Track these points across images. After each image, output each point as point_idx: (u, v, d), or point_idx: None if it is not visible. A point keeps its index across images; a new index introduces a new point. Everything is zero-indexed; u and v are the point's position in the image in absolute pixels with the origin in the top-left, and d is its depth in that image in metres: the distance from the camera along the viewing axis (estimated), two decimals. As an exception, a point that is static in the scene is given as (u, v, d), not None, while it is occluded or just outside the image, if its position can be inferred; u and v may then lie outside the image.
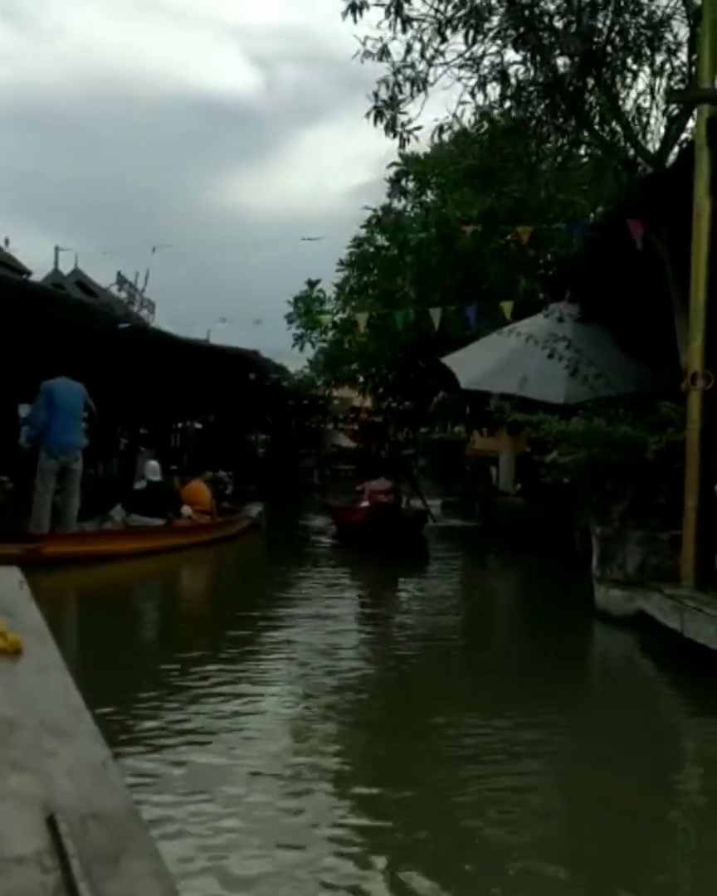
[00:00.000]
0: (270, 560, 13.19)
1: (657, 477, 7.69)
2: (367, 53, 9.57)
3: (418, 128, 9.72)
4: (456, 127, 9.83)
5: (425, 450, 23.50)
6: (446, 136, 9.93)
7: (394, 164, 16.55)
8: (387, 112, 9.56)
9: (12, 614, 1.54)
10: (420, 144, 10.21)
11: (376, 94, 9.61)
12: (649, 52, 8.77)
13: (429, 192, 16.64)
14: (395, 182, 16.60)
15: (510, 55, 9.70)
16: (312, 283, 17.23)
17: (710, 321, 7.13)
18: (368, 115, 9.65)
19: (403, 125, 9.64)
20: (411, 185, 16.72)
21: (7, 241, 25.81)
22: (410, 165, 16.48)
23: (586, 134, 9.25)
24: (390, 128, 9.63)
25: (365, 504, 13.24)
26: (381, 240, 17.08)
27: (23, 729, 1.11)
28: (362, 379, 17.39)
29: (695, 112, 7.56)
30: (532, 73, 9.57)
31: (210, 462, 17.59)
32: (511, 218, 10.12)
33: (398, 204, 16.95)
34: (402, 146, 9.81)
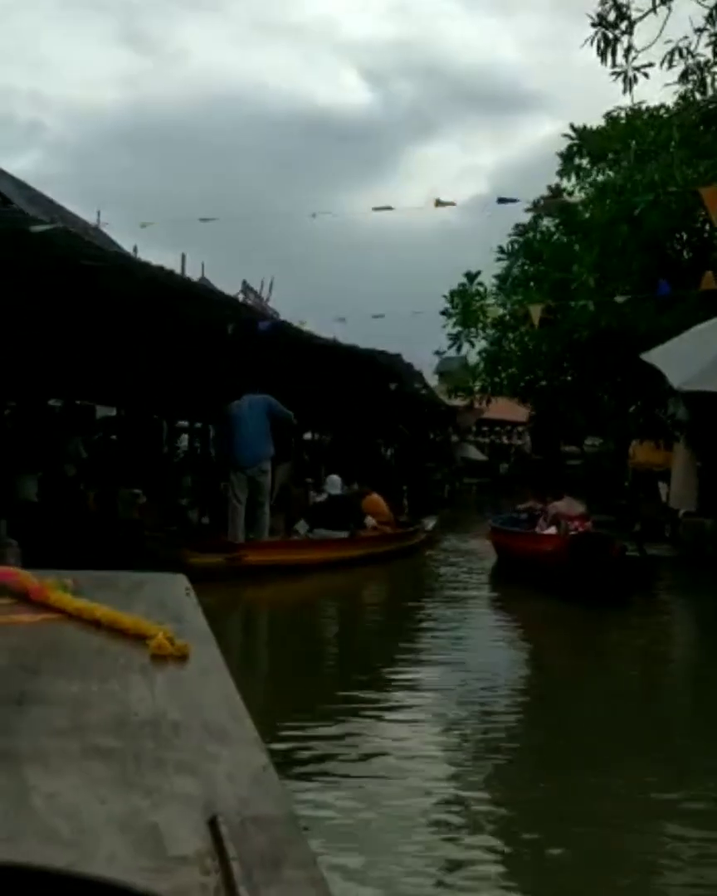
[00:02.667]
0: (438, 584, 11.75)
1: None
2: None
3: (649, 65, 7.67)
4: (688, 62, 7.75)
5: (588, 463, 21.26)
6: (673, 80, 7.84)
7: (566, 136, 14.50)
8: (613, 34, 7.49)
9: (180, 620, 1.59)
10: (649, 83, 8.09)
11: (600, 16, 7.57)
12: None
13: (606, 170, 14.45)
14: (567, 157, 14.51)
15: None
16: (471, 276, 15.14)
17: None
18: (589, 41, 7.64)
19: (628, 56, 7.56)
20: (584, 161, 14.60)
21: (136, 250, 24.60)
22: (585, 140, 14.41)
23: None
24: (613, 56, 7.56)
25: (550, 531, 10.69)
26: (548, 225, 15.01)
27: (187, 731, 1.11)
28: (522, 385, 15.31)
29: None
30: None
31: (342, 475, 16.27)
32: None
33: (569, 183, 14.83)
34: (627, 89, 7.78)
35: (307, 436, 27.61)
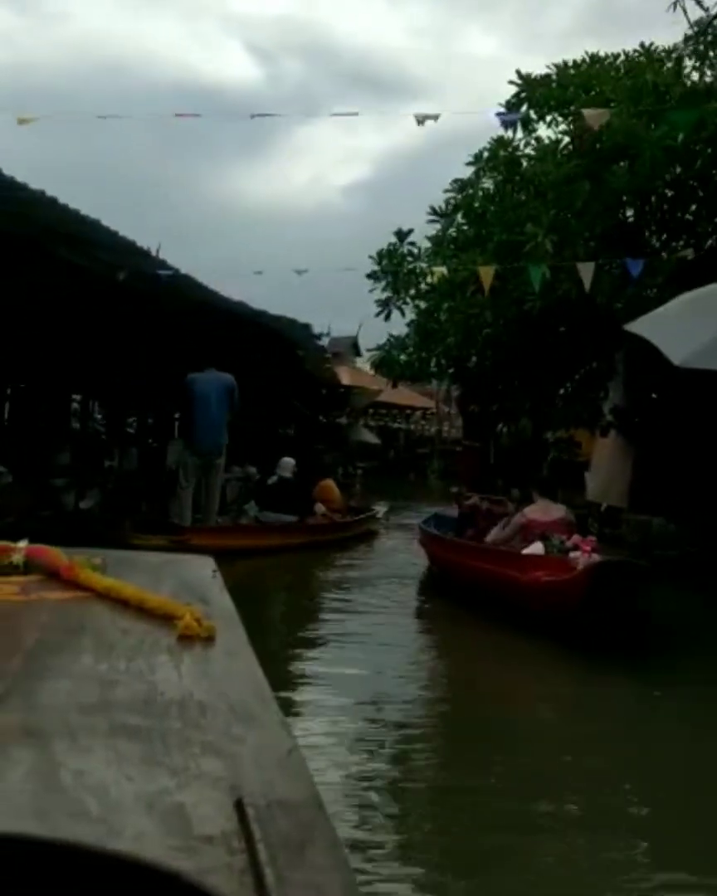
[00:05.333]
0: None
1: None
2: None
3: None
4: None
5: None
6: None
7: (512, 83, 12.81)
8: None
9: (207, 601, 1.57)
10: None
11: None
12: None
13: (556, 122, 12.82)
14: (513, 106, 12.82)
15: None
16: (401, 235, 13.33)
17: None
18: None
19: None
20: (532, 112, 12.92)
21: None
22: (531, 88, 12.77)
23: None
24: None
25: (535, 549, 7.69)
26: (488, 183, 13.32)
27: (214, 713, 1.10)
28: (453, 359, 13.64)
29: None
30: None
31: (240, 455, 14.63)
32: None
33: (515, 136, 13.09)
34: None
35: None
